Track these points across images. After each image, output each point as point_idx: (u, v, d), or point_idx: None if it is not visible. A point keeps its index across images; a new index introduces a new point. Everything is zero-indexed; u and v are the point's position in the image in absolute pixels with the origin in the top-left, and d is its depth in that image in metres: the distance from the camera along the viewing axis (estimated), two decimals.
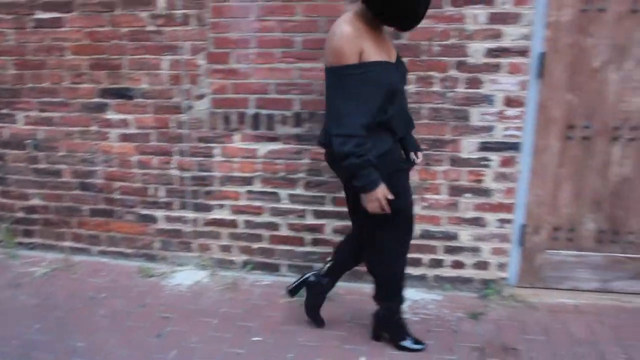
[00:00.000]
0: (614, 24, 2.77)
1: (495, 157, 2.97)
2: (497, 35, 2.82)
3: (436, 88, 2.92)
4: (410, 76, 2.91)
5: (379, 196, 2.13)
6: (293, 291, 2.77)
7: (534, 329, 2.82)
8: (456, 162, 3.00)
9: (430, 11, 2.78)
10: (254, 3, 2.91)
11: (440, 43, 2.86)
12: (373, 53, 2.10)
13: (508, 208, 3.04)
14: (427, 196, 3.06)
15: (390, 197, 2.16)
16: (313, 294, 2.75)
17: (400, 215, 2.31)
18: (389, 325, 2.63)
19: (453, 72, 2.89)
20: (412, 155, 2.54)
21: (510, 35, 2.82)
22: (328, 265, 2.71)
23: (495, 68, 2.86)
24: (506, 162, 2.96)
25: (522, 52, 2.83)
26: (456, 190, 3.04)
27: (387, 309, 2.60)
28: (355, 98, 2.06)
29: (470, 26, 2.83)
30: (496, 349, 2.66)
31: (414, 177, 3.03)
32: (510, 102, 2.89)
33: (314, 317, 2.77)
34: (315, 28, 2.91)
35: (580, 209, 3.02)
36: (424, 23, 2.81)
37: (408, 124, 2.40)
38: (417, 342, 2.62)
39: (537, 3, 2.80)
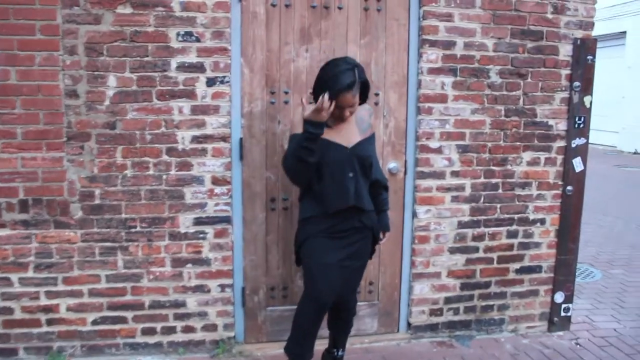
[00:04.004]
0: (295, 112, 3.36)
1: (210, 230, 3.37)
2: (201, 124, 3.28)
3: (151, 172, 3.28)
4: (127, 162, 3.24)
5: (321, 106, 2.60)
6: None
7: None
8: (175, 236, 3.35)
9: (141, 104, 3.18)
10: None
11: (151, 132, 3.25)
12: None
13: (227, 274, 3.44)
14: (153, 269, 3.36)
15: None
16: None
17: (306, 273, 2.88)
18: None
19: (165, 157, 3.28)
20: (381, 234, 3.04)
21: (212, 124, 3.29)
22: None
23: (201, 152, 3.30)
24: (220, 234, 3.38)
25: (224, 138, 3.31)
26: (179, 262, 3.38)
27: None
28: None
29: (176, 117, 3.26)
30: None
31: (138, 253, 3.32)
32: (218, 181, 3.34)
33: None
34: (35, 120, 3.15)
35: (289, 269, 3.52)
36: (135, 115, 3.20)
37: (343, 201, 2.76)
38: None
39: (232, 96, 3.31)
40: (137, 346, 3.43)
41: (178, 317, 3.44)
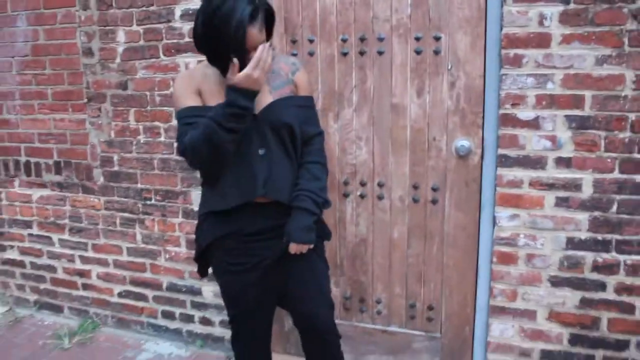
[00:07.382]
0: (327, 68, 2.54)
1: None
2: None
3: (162, 138, 2.85)
4: (139, 126, 2.88)
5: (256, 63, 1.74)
6: None
7: None
8: (189, 214, 2.89)
9: (148, 61, 2.77)
10: (13, 58, 3.09)
11: (160, 93, 2.81)
12: (210, 96, 1.86)
13: None
14: (169, 248, 2.97)
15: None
16: None
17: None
18: None
19: (175, 122, 2.80)
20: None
21: None
22: None
23: None
24: None
25: None
26: (192, 244, 2.90)
27: None
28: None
29: None
30: None
31: (154, 228, 2.97)
32: None
33: None
34: (61, 80, 3.01)
35: None
36: (144, 73, 2.80)
37: (247, 192, 1.88)
38: None
39: None
40: (158, 329, 3.13)
41: (195, 305, 3.01)
